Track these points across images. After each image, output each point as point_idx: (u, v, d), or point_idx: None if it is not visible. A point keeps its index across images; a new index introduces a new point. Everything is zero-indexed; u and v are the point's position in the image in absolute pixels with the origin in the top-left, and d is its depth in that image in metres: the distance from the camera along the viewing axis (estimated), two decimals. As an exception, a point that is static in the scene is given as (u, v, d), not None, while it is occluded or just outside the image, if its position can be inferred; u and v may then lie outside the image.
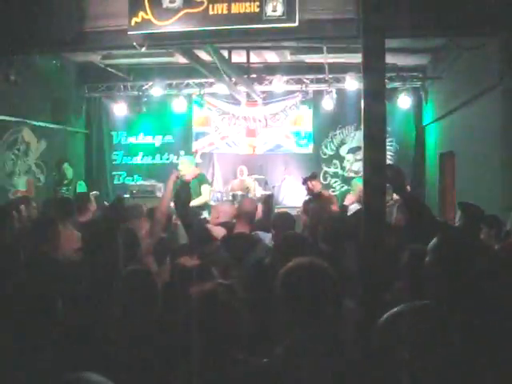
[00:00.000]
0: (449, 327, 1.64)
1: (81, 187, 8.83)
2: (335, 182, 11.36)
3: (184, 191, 5.81)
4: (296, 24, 6.28)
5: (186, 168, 8.92)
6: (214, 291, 2.17)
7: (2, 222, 4.08)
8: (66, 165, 8.61)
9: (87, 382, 1.26)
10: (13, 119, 9.05)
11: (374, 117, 3.01)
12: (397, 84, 10.45)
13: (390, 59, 8.94)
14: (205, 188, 8.79)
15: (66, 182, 8.60)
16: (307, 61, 10.22)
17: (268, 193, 9.14)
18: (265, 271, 3.43)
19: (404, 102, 10.59)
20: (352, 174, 10.90)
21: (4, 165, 9.09)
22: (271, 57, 10.28)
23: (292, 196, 10.70)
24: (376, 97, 3.04)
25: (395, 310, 1.66)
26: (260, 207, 5.82)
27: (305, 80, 10.96)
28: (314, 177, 6.04)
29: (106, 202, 8.02)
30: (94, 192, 7.34)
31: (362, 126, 3.08)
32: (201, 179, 8.82)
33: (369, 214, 2.90)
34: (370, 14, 3.00)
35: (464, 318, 2.13)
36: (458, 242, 2.56)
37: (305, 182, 5.90)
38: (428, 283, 2.47)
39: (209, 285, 2.26)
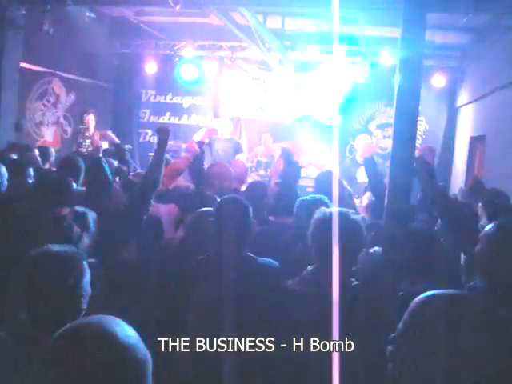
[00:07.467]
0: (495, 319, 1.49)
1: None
2: (360, 156, 11.21)
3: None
4: (335, -9, 6.11)
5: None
6: None
7: (18, 173, 4.04)
8: (90, 116, 8.51)
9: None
10: (44, 70, 9.07)
11: (408, 90, 2.92)
12: (433, 62, 10.17)
13: (427, 36, 8.65)
14: (241, 157, 8.88)
15: (87, 134, 8.51)
16: (343, 31, 9.98)
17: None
18: None
19: (438, 81, 10.33)
20: (379, 151, 10.70)
21: (33, 115, 9.15)
22: (307, 25, 10.07)
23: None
24: (412, 70, 2.94)
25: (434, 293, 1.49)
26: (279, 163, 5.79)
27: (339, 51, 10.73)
28: None
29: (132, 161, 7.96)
30: (127, 146, 7.22)
31: (395, 99, 2.99)
32: (236, 148, 8.88)
33: (394, 189, 2.84)
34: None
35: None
36: None
37: None
38: (478, 271, 2.39)
39: None
